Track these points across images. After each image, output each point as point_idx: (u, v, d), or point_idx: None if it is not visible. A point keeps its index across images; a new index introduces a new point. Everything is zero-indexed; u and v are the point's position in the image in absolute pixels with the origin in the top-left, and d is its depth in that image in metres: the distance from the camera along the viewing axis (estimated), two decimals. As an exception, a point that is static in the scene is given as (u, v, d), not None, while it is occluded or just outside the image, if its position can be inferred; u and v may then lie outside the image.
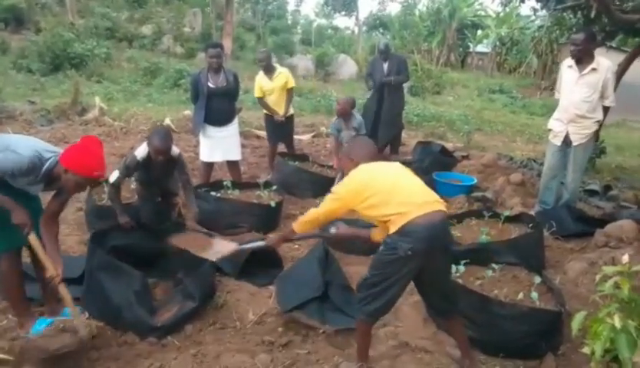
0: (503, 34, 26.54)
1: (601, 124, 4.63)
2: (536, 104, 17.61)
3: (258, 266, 3.69)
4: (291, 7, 39.18)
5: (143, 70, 14.41)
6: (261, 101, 6.10)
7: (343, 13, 31.07)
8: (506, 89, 20.71)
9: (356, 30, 31.78)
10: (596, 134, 4.73)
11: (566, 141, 4.72)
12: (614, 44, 10.40)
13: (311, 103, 12.52)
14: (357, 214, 2.57)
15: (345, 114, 5.57)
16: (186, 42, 19.66)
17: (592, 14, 5.73)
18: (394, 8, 41.15)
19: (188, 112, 8.77)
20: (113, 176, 3.65)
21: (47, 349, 2.56)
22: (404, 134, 8.22)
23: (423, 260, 2.38)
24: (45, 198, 2.89)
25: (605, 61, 4.47)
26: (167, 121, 8.54)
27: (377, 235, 2.64)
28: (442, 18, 27.84)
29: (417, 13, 30.68)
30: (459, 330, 2.71)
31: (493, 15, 27.72)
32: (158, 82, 13.64)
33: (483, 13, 29.37)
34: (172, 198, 4.15)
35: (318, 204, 4.97)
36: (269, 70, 5.93)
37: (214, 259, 3.26)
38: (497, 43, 27.21)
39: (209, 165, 5.39)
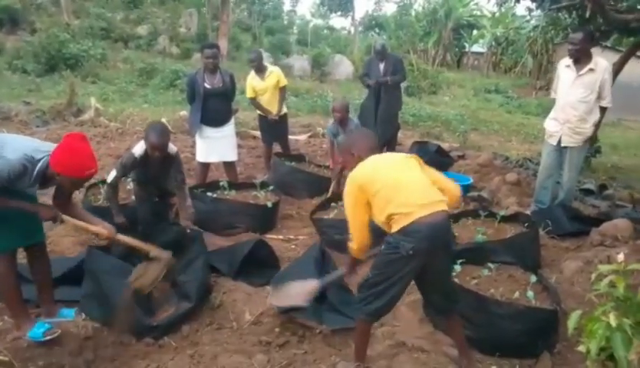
0: (498, 34, 26.63)
1: (598, 124, 4.63)
2: (531, 104, 17.68)
3: (254, 266, 3.69)
4: (287, 7, 39.14)
5: (139, 71, 14.37)
6: (253, 102, 6.08)
7: (339, 13, 31.15)
8: (501, 89, 20.79)
9: (352, 30, 31.86)
10: (594, 135, 4.71)
11: (561, 141, 4.74)
12: (609, 44, 10.46)
13: (307, 104, 12.52)
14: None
15: (344, 120, 5.56)
16: (182, 43, 19.62)
17: (587, 14, 5.76)
18: (389, 9, 41.21)
19: (184, 112, 8.76)
20: (111, 176, 3.63)
21: (154, 280, 2.97)
22: (400, 134, 8.22)
23: (425, 259, 2.38)
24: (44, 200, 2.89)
25: (602, 62, 4.48)
26: (163, 122, 8.52)
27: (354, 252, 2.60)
28: (438, 18, 27.92)
29: (412, 13, 30.77)
30: (458, 330, 2.71)
31: (489, 15, 27.81)
32: (154, 83, 13.61)
33: (478, 13, 29.47)
34: (169, 198, 4.15)
35: (314, 204, 5.04)
36: (261, 70, 5.91)
37: (305, 304, 2.95)
38: (493, 43, 27.32)
39: (206, 166, 5.38)
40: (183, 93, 8.80)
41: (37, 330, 2.75)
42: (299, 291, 2.88)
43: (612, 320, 1.76)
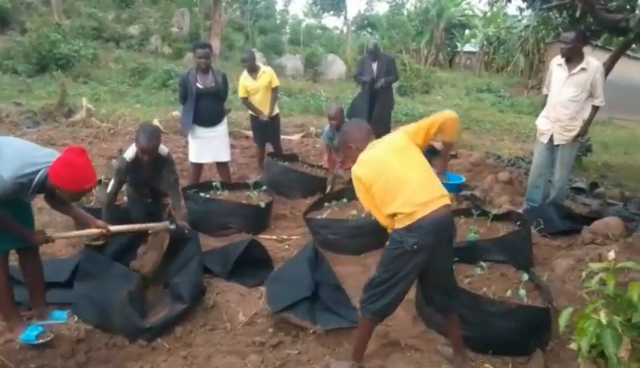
0: (490, 33, 26.72)
1: (589, 122, 4.67)
2: (523, 103, 17.78)
3: (248, 267, 3.69)
4: (279, 6, 39.05)
5: (131, 71, 14.29)
6: (245, 102, 6.07)
7: (331, 13, 31.10)
8: (493, 88, 20.89)
9: (345, 30, 31.82)
10: (583, 131, 4.74)
11: (553, 139, 4.77)
12: (599, 43, 10.52)
13: (300, 103, 12.52)
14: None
15: (340, 126, 5.54)
16: (174, 42, 19.51)
17: (577, 14, 5.79)
18: (382, 8, 41.27)
19: (176, 113, 8.73)
20: (110, 185, 3.70)
21: (158, 257, 3.21)
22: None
23: (429, 254, 2.41)
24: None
25: (594, 61, 4.51)
26: (156, 122, 8.48)
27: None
28: (430, 17, 27.97)
29: (405, 13, 30.81)
30: (455, 327, 2.73)
31: (481, 15, 27.91)
32: (146, 83, 13.55)
33: (470, 13, 29.54)
34: (162, 199, 4.13)
35: (307, 204, 5.04)
36: (253, 70, 5.90)
37: None
38: (485, 42, 27.41)
39: (199, 166, 5.37)
40: (176, 93, 8.76)
41: (30, 332, 2.74)
42: None
43: (603, 317, 1.77)
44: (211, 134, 5.13)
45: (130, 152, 3.59)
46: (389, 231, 2.55)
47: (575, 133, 4.63)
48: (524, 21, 20.27)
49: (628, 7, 5.89)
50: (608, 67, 6.95)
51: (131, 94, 12.20)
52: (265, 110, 5.95)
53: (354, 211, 4.47)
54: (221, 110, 5.20)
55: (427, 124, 2.61)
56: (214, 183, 4.95)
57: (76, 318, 3.03)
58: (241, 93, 6.03)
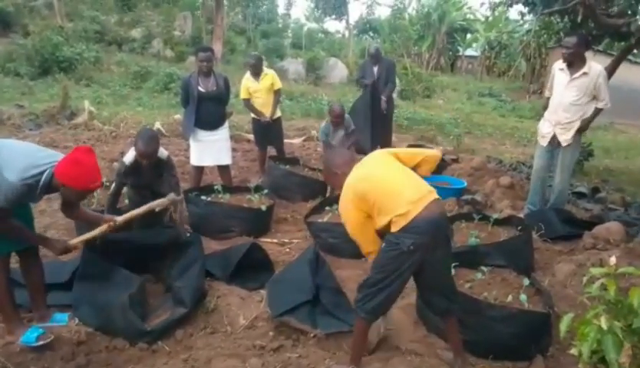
0: (492, 38, 26.78)
1: (590, 120, 4.65)
2: (524, 107, 17.79)
3: (248, 270, 3.69)
4: (281, 10, 39.19)
5: (133, 74, 14.34)
6: (247, 103, 6.08)
7: (333, 17, 31.11)
8: (495, 92, 20.91)
9: (346, 34, 31.85)
10: (583, 127, 4.70)
11: (553, 143, 4.78)
12: (600, 48, 10.54)
13: (302, 107, 12.54)
14: None
15: (340, 124, 5.54)
16: (176, 46, 19.58)
17: (579, 19, 5.81)
18: (383, 12, 41.34)
19: (178, 116, 8.75)
20: (111, 189, 3.74)
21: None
22: (394, 137, 8.25)
23: (425, 253, 2.42)
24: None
25: (596, 66, 4.51)
26: (157, 125, 8.51)
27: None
28: (431, 21, 28.02)
29: (406, 17, 30.86)
30: (454, 331, 2.73)
31: (482, 19, 27.97)
32: (148, 86, 13.59)
33: (472, 17, 29.61)
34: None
35: (308, 207, 5.04)
36: (257, 73, 5.94)
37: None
38: (486, 47, 27.45)
39: (200, 170, 5.38)
40: (177, 97, 8.79)
41: (30, 334, 2.74)
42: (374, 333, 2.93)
43: (604, 323, 1.77)
44: (212, 137, 5.14)
45: (130, 156, 3.60)
46: (370, 259, 2.57)
47: (574, 130, 4.62)
48: (526, 26, 20.36)
49: (629, 12, 5.91)
50: (610, 72, 6.94)
51: (133, 97, 12.23)
52: (267, 113, 5.96)
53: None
54: (222, 114, 5.21)
55: (411, 154, 2.76)
56: (215, 186, 4.96)
57: (77, 321, 3.03)
58: (243, 95, 6.04)
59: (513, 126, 13.67)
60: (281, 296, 3.21)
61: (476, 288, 3.18)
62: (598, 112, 4.62)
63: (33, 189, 2.54)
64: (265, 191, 5.09)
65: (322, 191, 5.65)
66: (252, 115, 6.18)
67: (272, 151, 6.48)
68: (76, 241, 2.93)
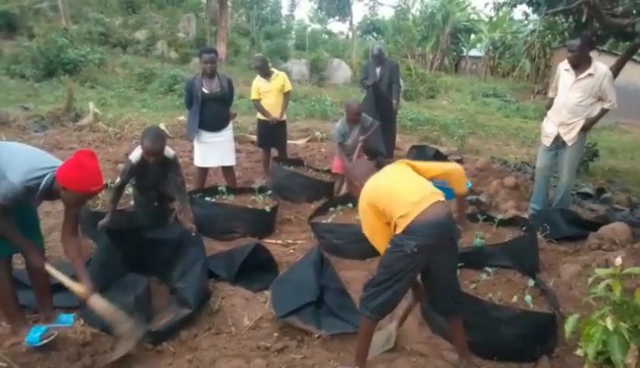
0: (496, 38, 26.72)
1: (595, 119, 4.63)
2: (529, 108, 17.72)
3: (253, 271, 3.69)
4: (285, 12, 39.25)
5: (138, 76, 14.39)
6: (256, 104, 6.10)
7: (337, 18, 31.19)
8: (499, 93, 20.85)
9: (350, 34, 31.89)
10: (587, 125, 4.69)
11: (557, 142, 4.77)
12: (605, 48, 10.51)
13: (305, 108, 12.54)
14: None
15: (357, 122, 5.46)
16: (181, 47, 19.64)
17: (584, 19, 5.80)
18: (387, 13, 41.32)
19: (182, 117, 8.77)
20: (115, 183, 3.72)
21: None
22: (398, 138, 8.25)
23: (430, 255, 2.44)
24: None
25: (602, 67, 4.49)
26: (162, 126, 8.53)
27: None
28: (435, 22, 27.99)
29: (410, 18, 30.84)
30: (459, 332, 2.73)
31: (486, 20, 27.90)
32: (152, 87, 13.63)
33: (476, 17, 29.55)
34: (168, 202, 4.15)
35: (312, 208, 5.04)
36: (267, 74, 5.99)
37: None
38: (490, 47, 27.40)
39: (204, 171, 5.39)
40: (182, 98, 8.82)
41: (34, 334, 2.75)
42: (382, 339, 2.96)
43: (609, 323, 1.77)
44: (216, 139, 5.15)
45: (136, 154, 3.61)
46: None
47: (578, 128, 4.60)
48: (530, 26, 20.34)
49: (634, 12, 5.88)
50: (615, 72, 6.92)
51: (138, 99, 12.27)
52: (277, 114, 5.99)
53: (359, 216, 4.46)
54: (226, 115, 5.23)
55: (432, 166, 2.76)
56: (219, 187, 4.97)
57: (82, 321, 3.04)
58: (253, 95, 6.09)
59: (518, 126, 13.63)
60: (285, 297, 3.21)
61: (480, 289, 3.17)
62: (604, 112, 4.60)
63: (33, 192, 2.55)
64: (269, 192, 5.10)
65: (326, 192, 5.65)
66: (259, 116, 6.20)
67: (275, 152, 6.49)
68: (50, 268, 2.77)
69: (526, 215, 4.88)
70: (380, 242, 2.57)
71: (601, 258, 3.81)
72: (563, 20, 7.47)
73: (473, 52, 30.57)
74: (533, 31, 20.37)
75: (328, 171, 6.21)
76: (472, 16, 29.67)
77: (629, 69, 7.53)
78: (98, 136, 8.11)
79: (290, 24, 37.64)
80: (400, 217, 2.40)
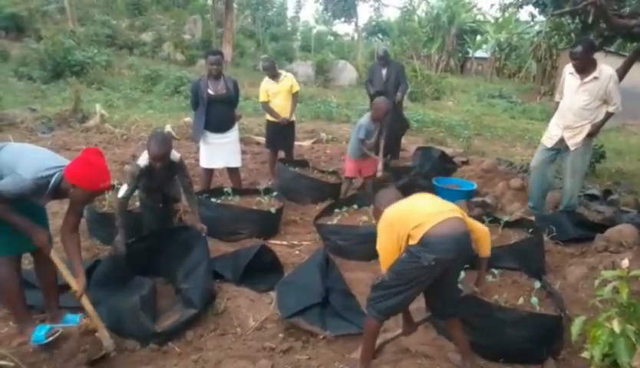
0: (501, 39, 26.67)
1: (600, 124, 4.62)
2: (535, 109, 17.64)
3: (258, 272, 3.70)
4: (290, 13, 39.36)
5: (144, 78, 14.46)
6: (265, 106, 6.13)
7: (342, 19, 31.18)
8: (505, 94, 20.77)
9: (355, 36, 31.88)
10: (593, 132, 4.67)
11: (560, 145, 4.75)
12: (612, 49, 10.45)
13: (311, 109, 12.55)
14: None
15: (384, 120, 5.37)
16: (187, 49, 19.74)
17: (590, 20, 5.76)
18: (393, 14, 41.31)
19: (188, 119, 8.80)
20: (122, 190, 3.67)
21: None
22: (403, 140, 8.24)
23: (446, 268, 2.44)
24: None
25: (607, 70, 4.46)
26: (168, 128, 8.57)
27: None
28: (441, 23, 27.99)
29: (416, 19, 30.85)
30: (458, 331, 2.73)
31: (492, 21, 27.87)
32: (158, 89, 13.68)
33: (481, 18, 29.54)
34: (173, 204, 4.17)
35: (318, 210, 5.04)
36: (275, 76, 6.03)
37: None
38: (496, 48, 27.34)
39: (210, 172, 5.41)
40: (188, 100, 8.84)
41: (39, 333, 2.77)
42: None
43: (616, 326, 1.76)
44: (222, 140, 5.17)
45: (144, 159, 3.62)
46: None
47: (584, 134, 4.59)
48: (536, 27, 20.27)
49: (641, 12, 5.85)
50: (622, 73, 6.88)
51: (144, 100, 12.32)
52: (286, 115, 6.04)
53: (364, 218, 4.47)
54: (232, 116, 5.24)
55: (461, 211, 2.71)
56: (225, 189, 4.99)
57: (89, 321, 3.05)
58: (262, 97, 6.11)
59: (524, 127, 13.56)
60: (290, 298, 3.22)
61: (486, 291, 3.16)
62: (609, 116, 4.59)
63: (42, 189, 2.57)
64: (275, 193, 5.11)
65: (332, 193, 5.65)
66: (268, 118, 6.22)
67: (281, 154, 6.50)
68: (53, 256, 2.76)
69: (531, 217, 4.85)
70: (385, 262, 2.56)
71: (607, 260, 3.78)
72: (570, 21, 7.45)
73: (479, 53, 30.54)
74: (539, 32, 20.32)
75: (334, 172, 6.22)
76: (478, 17, 29.66)
77: (636, 70, 7.46)
78: (105, 137, 8.16)
79: (295, 26, 37.75)
80: (414, 227, 2.39)
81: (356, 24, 30.11)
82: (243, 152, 6.49)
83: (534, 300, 2.97)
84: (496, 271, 3.33)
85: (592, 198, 6.05)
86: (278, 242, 4.60)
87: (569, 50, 4.71)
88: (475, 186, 6.03)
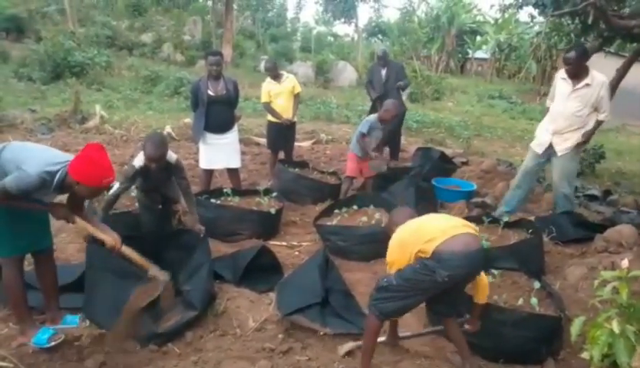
0: (501, 40, 26.67)
1: (591, 133, 4.61)
2: (535, 110, 17.64)
3: (258, 273, 3.70)
4: (290, 14, 39.40)
5: (144, 78, 14.45)
6: (267, 107, 6.13)
7: (342, 20, 31.19)
8: (505, 94, 20.78)
9: (355, 37, 31.90)
10: (583, 143, 4.69)
11: (549, 151, 4.74)
12: (612, 50, 10.46)
13: (311, 110, 12.55)
14: None
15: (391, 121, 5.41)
16: (186, 50, 19.75)
17: (590, 20, 5.76)
18: (392, 15, 41.34)
19: (188, 120, 8.80)
20: (114, 188, 3.64)
21: (144, 304, 2.87)
22: (403, 140, 8.25)
23: (456, 282, 2.44)
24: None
25: (599, 77, 4.45)
26: (168, 129, 8.58)
27: None
28: (441, 24, 28.01)
29: (415, 20, 30.86)
30: (456, 331, 2.74)
31: (492, 21, 27.87)
32: (158, 90, 13.68)
33: (481, 19, 29.54)
34: (172, 205, 4.17)
35: (317, 210, 5.04)
36: (277, 77, 6.03)
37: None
38: (496, 49, 27.34)
39: (209, 173, 5.41)
40: (187, 101, 8.86)
41: (42, 335, 2.77)
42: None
43: (615, 326, 1.76)
44: (222, 141, 5.17)
45: (139, 160, 3.62)
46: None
47: (572, 141, 4.58)
48: (536, 28, 20.25)
49: (641, 13, 5.85)
50: (622, 74, 6.91)
51: (144, 101, 12.32)
52: (288, 115, 6.05)
53: (364, 218, 4.47)
54: (232, 117, 5.25)
55: None
56: (225, 189, 4.99)
57: (88, 322, 3.06)
58: (264, 98, 6.12)
59: (524, 128, 13.56)
60: (290, 298, 3.21)
61: (486, 291, 3.16)
62: (599, 124, 4.58)
63: (47, 185, 2.58)
64: (275, 194, 5.11)
65: (331, 194, 5.65)
66: (270, 118, 6.22)
67: (281, 155, 6.50)
68: (80, 220, 2.82)
69: (531, 218, 4.84)
70: (393, 266, 2.58)
71: (607, 261, 3.78)
72: (569, 22, 7.45)
73: (479, 54, 30.55)
74: (539, 32, 20.30)
75: (334, 173, 6.22)
76: (477, 18, 29.67)
77: (636, 71, 7.48)
78: (105, 138, 8.16)
79: (295, 27, 37.78)
80: (427, 241, 2.39)
81: (356, 25, 30.11)
82: (243, 153, 6.50)
83: (534, 300, 2.97)
84: (495, 272, 3.33)
85: (592, 198, 6.05)
86: (278, 243, 4.60)
87: (563, 55, 4.71)
88: (475, 187, 6.03)
